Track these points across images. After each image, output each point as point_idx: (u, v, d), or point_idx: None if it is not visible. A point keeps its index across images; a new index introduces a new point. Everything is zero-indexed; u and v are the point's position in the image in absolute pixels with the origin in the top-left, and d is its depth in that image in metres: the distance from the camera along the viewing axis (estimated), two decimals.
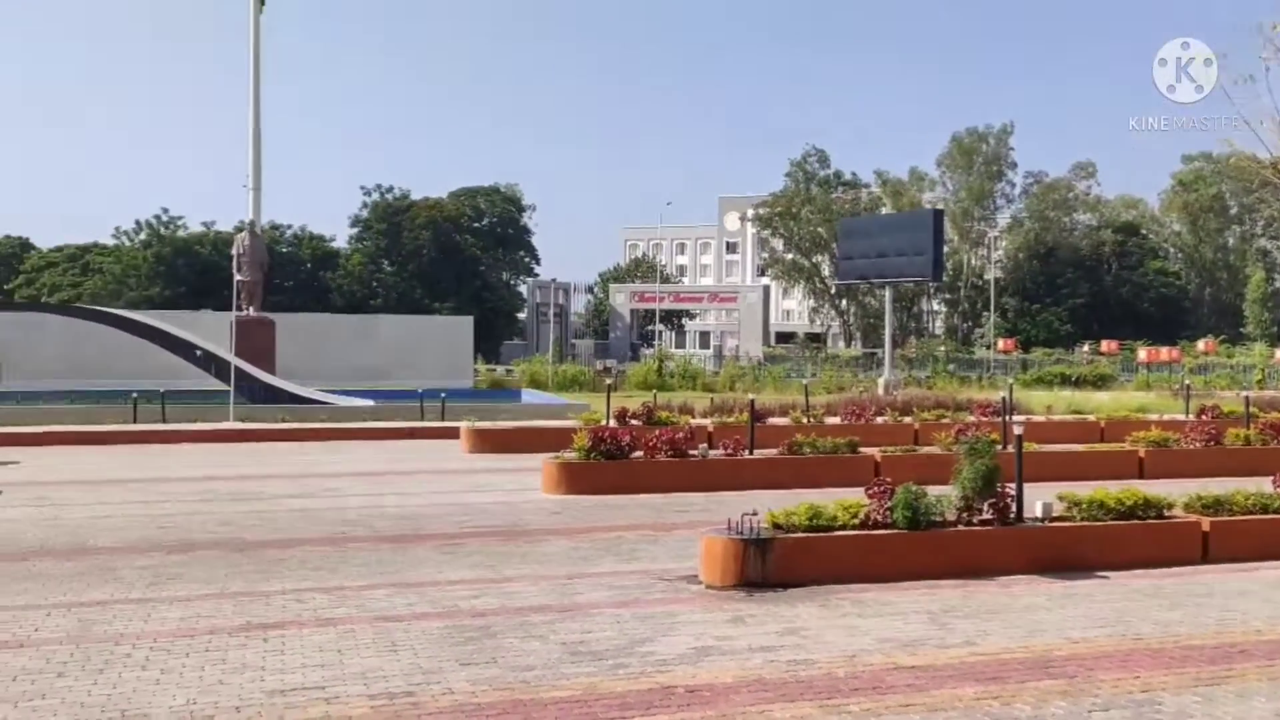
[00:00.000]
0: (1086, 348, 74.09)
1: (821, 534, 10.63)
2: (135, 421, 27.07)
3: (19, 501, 15.69)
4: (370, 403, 32.81)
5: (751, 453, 18.59)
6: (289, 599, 9.70)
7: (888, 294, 46.61)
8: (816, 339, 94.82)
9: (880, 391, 38.78)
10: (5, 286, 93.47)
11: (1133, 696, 7.18)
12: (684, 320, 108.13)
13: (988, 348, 76.16)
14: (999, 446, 12.19)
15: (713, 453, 18.41)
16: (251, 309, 38.15)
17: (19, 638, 8.33)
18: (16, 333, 42.55)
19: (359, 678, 7.38)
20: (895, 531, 10.79)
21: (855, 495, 11.47)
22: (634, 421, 22.23)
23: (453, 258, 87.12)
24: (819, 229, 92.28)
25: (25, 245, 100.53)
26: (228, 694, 7.02)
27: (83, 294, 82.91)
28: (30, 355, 41.05)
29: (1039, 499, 11.64)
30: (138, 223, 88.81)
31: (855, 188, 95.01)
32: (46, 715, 6.60)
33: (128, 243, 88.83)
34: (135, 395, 27.96)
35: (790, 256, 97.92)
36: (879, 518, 10.87)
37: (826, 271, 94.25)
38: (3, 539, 12.61)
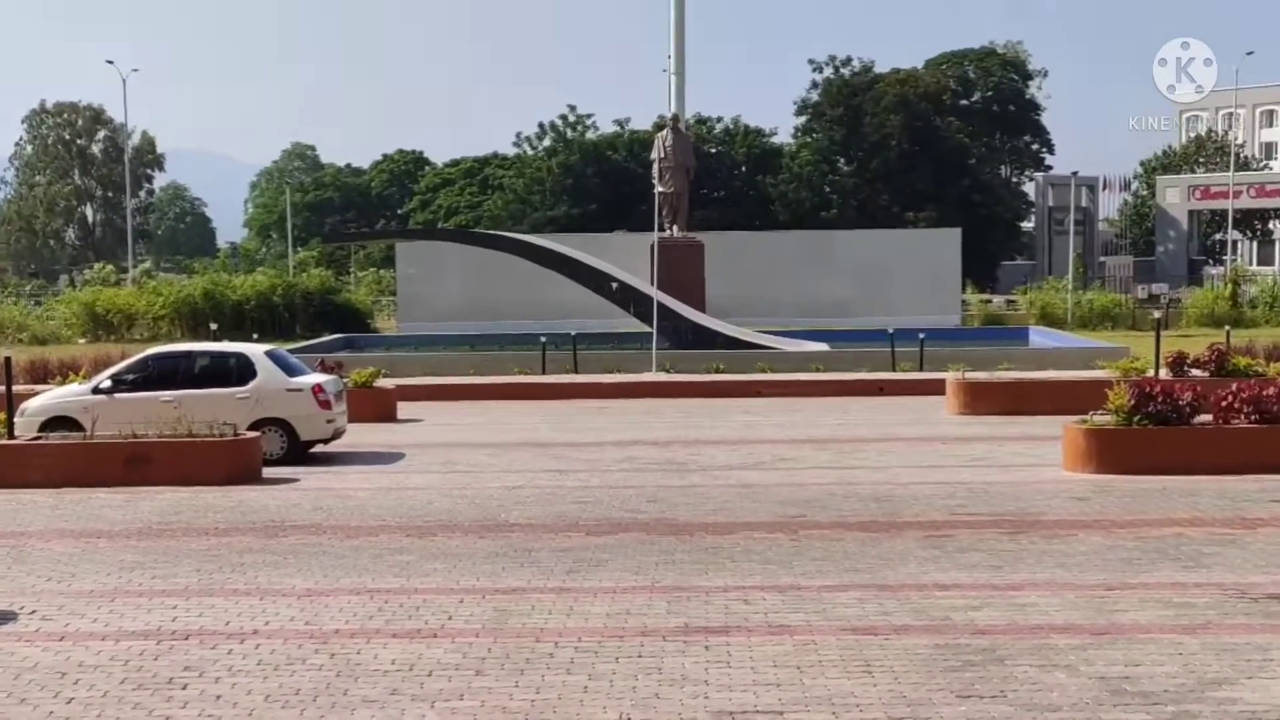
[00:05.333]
0: None
1: None
2: (544, 371, 29.75)
3: (425, 466, 17.91)
4: (824, 347, 33.54)
5: None
6: (733, 598, 10.28)
7: None
8: None
9: None
10: (399, 211, 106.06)
11: None
12: (1272, 225, 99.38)
13: None
14: None
15: None
16: (675, 228, 40.37)
17: (433, 626, 9.57)
18: (414, 266, 48.31)
19: (824, 703, 7.69)
20: None
21: None
22: (1196, 372, 21.04)
23: (932, 149, 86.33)
24: None
25: (420, 161, 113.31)
26: (666, 710, 7.62)
27: (481, 216, 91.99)
28: (429, 292, 46.52)
29: None
30: (541, 126, 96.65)
31: None
32: (466, 718, 7.54)
33: (530, 150, 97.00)
34: (544, 340, 30.69)
35: None
36: None
37: None
38: (411, 509, 14.50)
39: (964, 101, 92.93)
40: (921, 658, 8.59)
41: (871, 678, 8.17)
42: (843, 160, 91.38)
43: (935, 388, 25.19)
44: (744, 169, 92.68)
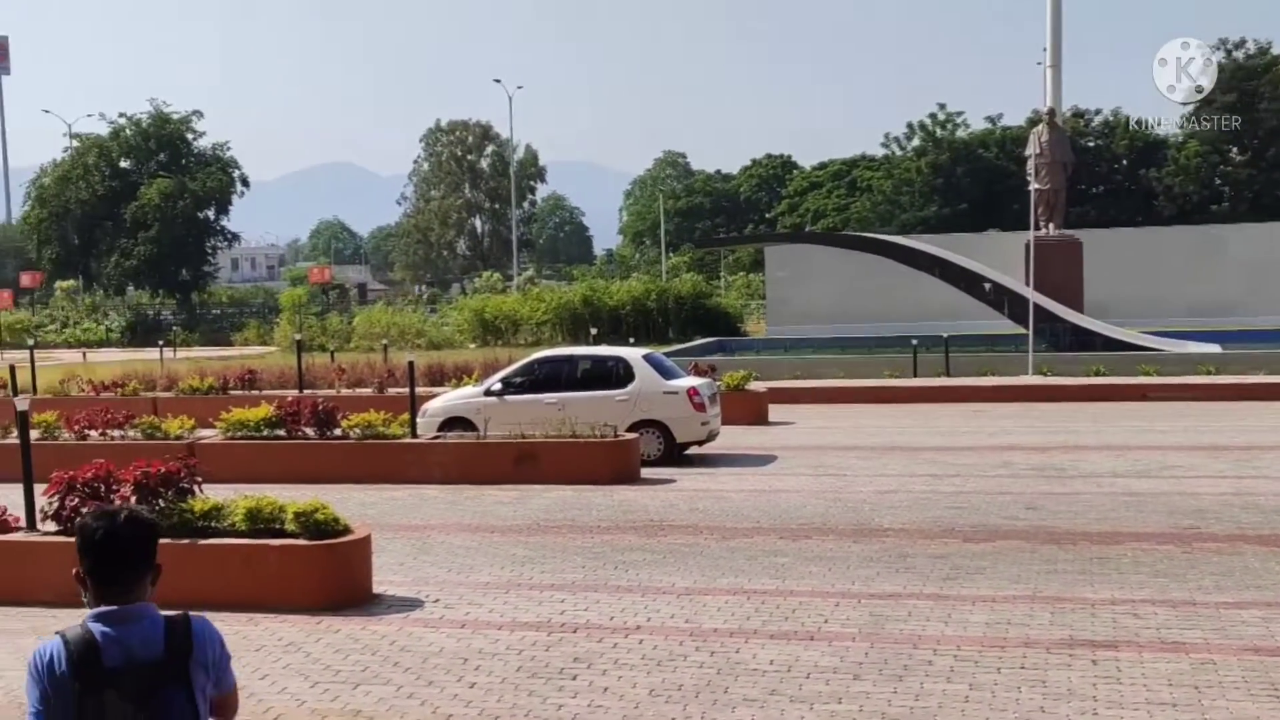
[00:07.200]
0: None
1: None
2: (915, 374, 29.35)
3: (798, 469, 18.04)
4: (1216, 348, 31.69)
5: None
6: (1121, 611, 9.86)
7: None
8: None
9: None
10: (767, 215, 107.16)
11: None
12: None
13: None
14: None
15: None
16: (1051, 226, 38.99)
17: (808, 628, 9.62)
18: (783, 269, 48.74)
19: None
20: None
21: None
22: None
23: None
24: None
25: (787, 165, 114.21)
26: None
27: (849, 218, 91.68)
28: (797, 295, 46.74)
29: None
30: (910, 126, 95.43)
31: None
32: None
33: (898, 151, 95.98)
34: (915, 342, 30.30)
35: None
36: None
37: None
38: (785, 512, 14.62)
39: None
40: None
41: None
42: (1235, 150, 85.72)
43: None
44: (1125, 163, 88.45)
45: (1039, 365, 29.48)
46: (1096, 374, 28.31)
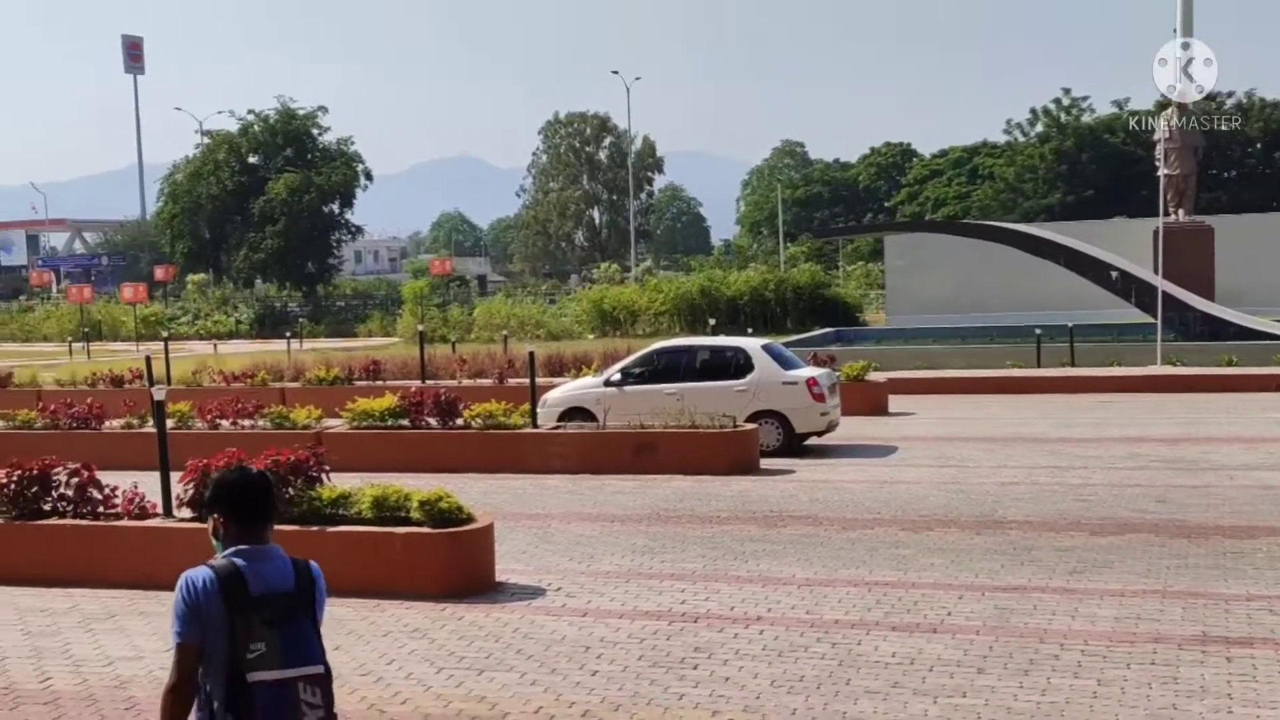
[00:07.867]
0: None
1: None
2: (1039, 364, 28.84)
3: (919, 460, 17.85)
4: None
5: None
6: (1257, 607, 9.60)
7: None
8: None
9: None
10: (886, 204, 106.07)
11: None
12: None
13: None
14: None
15: None
16: (1181, 212, 38.08)
17: (931, 621, 9.51)
18: (902, 258, 48.23)
19: None
20: None
21: None
22: None
23: None
24: None
25: (907, 153, 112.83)
26: None
27: (970, 206, 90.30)
28: (917, 284, 46.21)
29: None
30: (1033, 112, 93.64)
31: None
32: (970, 716, 7.45)
33: (1021, 138, 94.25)
34: (1039, 332, 29.75)
35: None
36: None
37: None
38: (906, 503, 14.48)
39: None
40: None
41: None
42: None
43: None
44: (1259, 146, 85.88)
45: (1168, 355, 28.77)
46: (1228, 364, 27.55)
